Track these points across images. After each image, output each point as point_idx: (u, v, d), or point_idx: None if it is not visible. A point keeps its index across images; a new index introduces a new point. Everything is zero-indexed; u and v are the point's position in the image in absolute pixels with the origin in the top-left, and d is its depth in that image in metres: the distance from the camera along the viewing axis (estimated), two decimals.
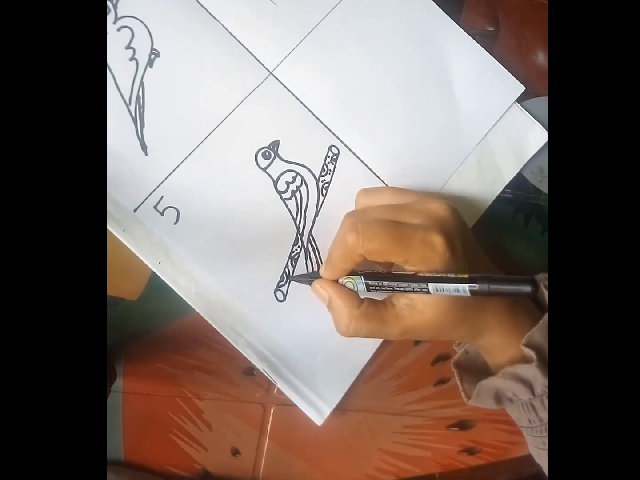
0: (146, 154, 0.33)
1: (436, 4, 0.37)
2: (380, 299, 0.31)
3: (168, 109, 0.33)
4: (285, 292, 0.35)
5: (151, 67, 0.33)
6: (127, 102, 0.32)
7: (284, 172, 0.35)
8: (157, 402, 0.35)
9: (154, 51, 0.33)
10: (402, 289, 0.28)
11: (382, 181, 0.36)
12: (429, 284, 0.27)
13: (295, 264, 0.35)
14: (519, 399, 0.32)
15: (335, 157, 0.36)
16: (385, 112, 0.36)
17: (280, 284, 0.35)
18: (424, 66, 0.37)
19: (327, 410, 0.35)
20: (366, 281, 0.30)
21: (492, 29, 0.40)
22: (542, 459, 0.33)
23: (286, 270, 0.35)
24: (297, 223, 0.35)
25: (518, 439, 0.41)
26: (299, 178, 0.35)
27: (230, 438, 0.36)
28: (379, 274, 0.30)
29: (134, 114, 0.32)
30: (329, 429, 0.36)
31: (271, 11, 0.35)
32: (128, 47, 0.32)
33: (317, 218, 0.35)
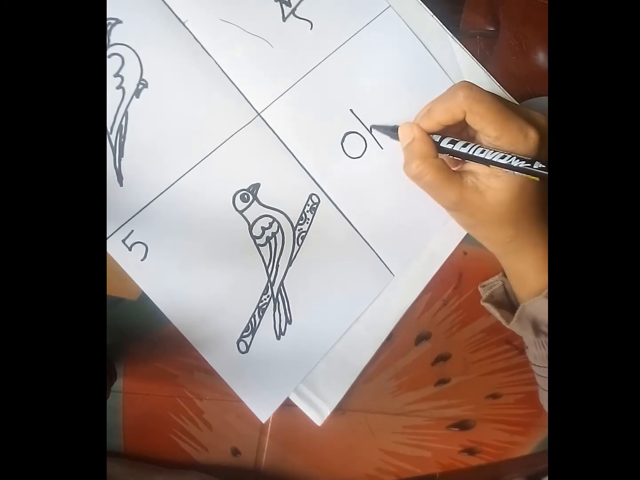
0: (121, 185, 0.31)
1: (437, 4, 0.37)
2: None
3: (149, 141, 0.32)
4: (248, 344, 0.33)
5: (137, 97, 0.31)
6: (109, 130, 0.31)
7: (260, 217, 0.33)
8: (157, 402, 0.35)
9: (142, 81, 0.31)
10: (478, 156, 0.30)
11: (361, 236, 0.36)
12: (507, 157, 0.29)
13: (263, 315, 0.33)
14: None
15: (315, 206, 0.35)
16: (373, 166, 0.35)
17: (245, 334, 0.33)
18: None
19: (327, 410, 0.35)
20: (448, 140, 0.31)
21: (492, 29, 0.40)
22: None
23: (252, 320, 0.33)
24: (269, 271, 0.34)
25: (518, 439, 0.41)
26: (275, 224, 0.34)
27: (231, 438, 0.36)
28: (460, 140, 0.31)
29: (113, 143, 0.31)
30: (329, 429, 0.36)
31: (266, 52, 0.34)
32: (117, 74, 0.31)
33: (290, 268, 0.34)
